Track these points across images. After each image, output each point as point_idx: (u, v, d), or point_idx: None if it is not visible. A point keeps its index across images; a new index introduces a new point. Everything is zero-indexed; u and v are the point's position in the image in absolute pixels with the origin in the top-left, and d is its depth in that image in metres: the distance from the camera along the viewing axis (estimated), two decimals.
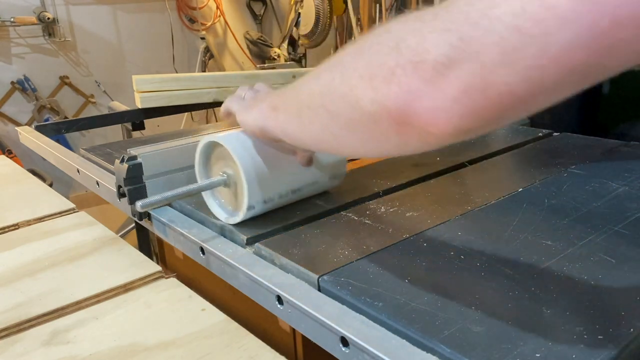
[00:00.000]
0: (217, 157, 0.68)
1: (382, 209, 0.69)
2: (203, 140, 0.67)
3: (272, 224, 0.66)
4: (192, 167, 0.78)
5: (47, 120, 3.16)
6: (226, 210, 0.68)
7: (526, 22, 0.31)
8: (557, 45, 0.31)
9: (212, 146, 0.67)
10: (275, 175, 0.64)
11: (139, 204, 0.64)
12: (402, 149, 0.42)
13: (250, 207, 0.64)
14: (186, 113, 3.10)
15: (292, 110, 0.52)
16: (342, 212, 0.69)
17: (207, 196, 0.69)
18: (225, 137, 0.63)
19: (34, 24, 3.05)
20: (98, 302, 0.65)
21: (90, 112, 3.37)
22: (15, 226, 0.88)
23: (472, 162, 0.87)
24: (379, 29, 0.41)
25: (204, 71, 3.69)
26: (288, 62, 3.15)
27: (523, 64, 0.32)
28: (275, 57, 3.31)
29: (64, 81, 3.25)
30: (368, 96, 0.40)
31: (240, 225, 0.66)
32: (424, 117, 0.36)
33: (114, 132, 2.35)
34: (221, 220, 0.67)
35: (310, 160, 0.66)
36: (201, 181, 0.69)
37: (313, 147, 0.54)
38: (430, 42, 0.35)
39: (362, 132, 0.43)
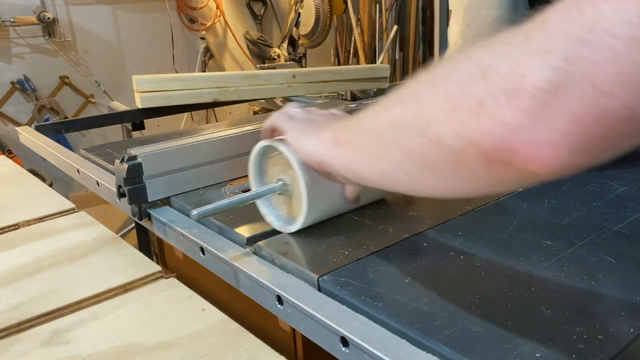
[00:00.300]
0: (272, 162, 0.65)
1: (382, 209, 0.69)
2: (260, 143, 0.64)
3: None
4: (192, 167, 0.78)
5: (47, 120, 3.16)
6: (279, 217, 0.65)
7: None
8: None
9: (269, 151, 0.65)
10: (330, 186, 0.61)
11: (194, 213, 0.59)
12: (492, 188, 0.37)
13: (307, 218, 0.61)
14: (186, 113, 3.10)
15: (359, 146, 0.47)
16: (342, 212, 0.69)
17: (259, 203, 0.66)
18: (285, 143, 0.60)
19: (34, 24, 3.05)
20: (98, 302, 0.65)
21: (90, 112, 3.37)
22: (15, 226, 0.88)
23: None
24: (454, 56, 0.37)
25: (204, 71, 3.69)
26: (288, 62, 3.15)
27: None
28: (275, 57, 3.31)
29: (64, 81, 3.25)
30: (451, 131, 0.35)
31: (240, 225, 0.66)
32: (525, 153, 0.31)
33: (114, 132, 2.35)
34: (276, 228, 0.65)
35: (357, 198, 0.63)
36: (256, 187, 0.67)
37: (382, 185, 0.48)
38: (527, 66, 0.31)
39: (443, 170, 0.38)
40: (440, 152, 0.37)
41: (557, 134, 0.30)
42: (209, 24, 3.81)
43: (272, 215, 0.65)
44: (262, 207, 0.66)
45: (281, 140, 0.60)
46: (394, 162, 0.42)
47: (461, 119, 0.34)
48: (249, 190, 0.78)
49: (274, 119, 0.61)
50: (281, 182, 0.63)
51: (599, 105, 0.29)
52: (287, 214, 0.65)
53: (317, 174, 0.56)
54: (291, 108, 0.62)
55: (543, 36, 0.31)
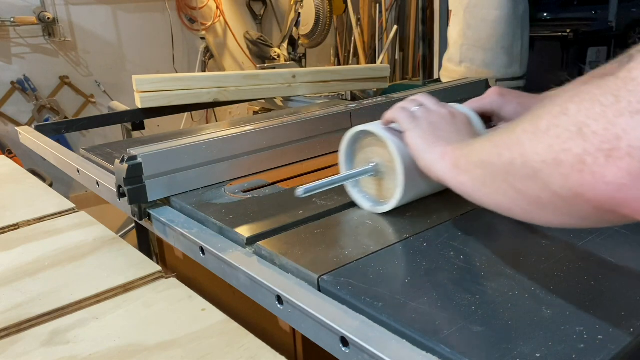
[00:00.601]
0: (362, 146, 0.70)
1: None
2: (354, 129, 0.69)
3: (272, 224, 0.66)
4: (192, 167, 0.78)
5: (47, 120, 3.16)
6: (369, 198, 0.70)
7: None
8: None
9: (361, 136, 0.69)
10: (422, 176, 0.63)
11: (300, 191, 0.63)
12: (604, 224, 0.41)
13: (401, 198, 0.65)
14: (186, 113, 3.10)
15: (477, 178, 0.49)
16: (342, 212, 0.69)
17: (350, 184, 0.71)
18: (380, 128, 0.66)
19: (34, 24, 3.05)
20: (98, 302, 0.65)
21: (90, 112, 3.37)
22: (15, 226, 0.88)
23: None
24: (552, 107, 0.39)
25: (204, 71, 3.69)
26: (288, 62, 3.15)
27: None
28: (275, 57, 3.31)
29: (64, 81, 3.25)
30: (558, 183, 0.38)
31: (240, 225, 0.66)
32: (631, 207, 0.34)
33: (114, 132, 2.35)
34: (365, 209, 0.69)
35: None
36: (346, 169, 0.71)
37: (499, 212, 0.50)
38: (621, 127, 0.33)
39: (555, 210, 0.41)
40: (551, 197, 0.40)
41: None
42: (209, 24, 3.81)
43: (362, 196, 0.71)
44: (352, 188, 0.71)
45: (377, 124, 0.67)
46: (509, 199, 0.45)
47: (565, 173, 0.37)
48: (248, 190, 0.78)
49: (396, 114, 0.65)
50: (374, 164, 0.68)
51: None
52: (376, 196, 0.70)
53: (412, 163, 0.62)
54: (412, 105, 0.66)
55: (632, 96, 0.33)
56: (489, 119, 0.71)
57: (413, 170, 0.63)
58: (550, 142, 0.38)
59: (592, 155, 0.35)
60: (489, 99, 0.70)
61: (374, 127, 0.66)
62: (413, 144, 0.60)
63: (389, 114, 0.66)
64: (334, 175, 0.68)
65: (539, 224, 0.47)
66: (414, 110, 0.64)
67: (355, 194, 0.71)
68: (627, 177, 0.33)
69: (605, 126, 0.34)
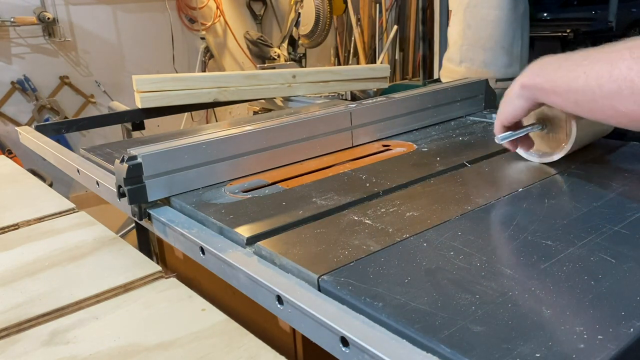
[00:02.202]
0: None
1: (382, 209, 0.69)
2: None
3: (272, 224, 0.66)
4: (192, 167, 0.79)
5: (47, 120, 3.16)
6: (535, 154, 0.85)
7: None
8: None
9: None
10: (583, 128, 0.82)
11: (498, 137, 0.79)
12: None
13: (570, 150, 0.81)
14: (186, 113, 3.10)
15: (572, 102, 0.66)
16: (342, 212, 0.69)
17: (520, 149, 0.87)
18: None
19: (34, 24, 3.06)
20: (98, 302, 0.65)
21: (90, 112, 3.37)
22: (15, 226, 0.88)
23: (472, 162, 0.87)
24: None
25: (204, 71, 3.69)
26: (288, 62, 3.15)
27: None
28: (275, 57, 3.30)
29: (64, 81, 3.25)
30: (610, 102, 0.58)
31: (240, 225, 0.66)
32: None
33: (114, 132, 2.35)
34: (532, 161, 0.85)
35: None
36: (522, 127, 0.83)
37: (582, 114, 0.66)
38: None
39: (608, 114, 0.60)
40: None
41: None
42: (209, 24, 3.81)
43: (526, 153, 0.86)
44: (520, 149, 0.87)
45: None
46: (588, 109, 0.62)
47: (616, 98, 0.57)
48: (248, 190, 0.78)
49: None
50: (540, 126, 0.83)
51: None
52: (545, 149, 0.85)
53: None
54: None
55: None
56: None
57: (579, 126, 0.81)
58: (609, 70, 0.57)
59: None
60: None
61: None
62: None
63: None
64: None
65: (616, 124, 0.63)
66: None
67: (521, 152, 0.87)
68: None
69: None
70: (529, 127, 0.82)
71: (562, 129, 0.82)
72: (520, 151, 0.86)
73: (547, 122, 0.83)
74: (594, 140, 0.89)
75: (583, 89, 0.61)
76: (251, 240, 0.63)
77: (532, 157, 0.86)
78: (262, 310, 0.56)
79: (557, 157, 0.82)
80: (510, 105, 0.74)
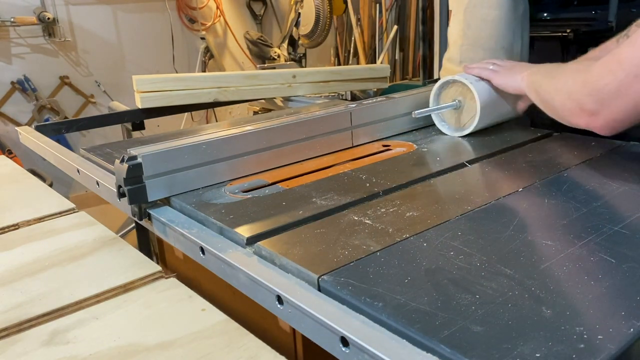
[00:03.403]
0: (446, 93, 1.04)
1: (382, 209, 0.69)
2: (443, 79, 1.04)
3: (272, 224, 0.66)
4: (192, 167, 0.79)
5: (47, 120, 3.16)
6: (449, 127, 1.04)
7: None
8: None
9: (445, 86, 1.04)
10: (493, 104, 1.00)
11: (416, 112, 0.97)
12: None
13: (478, 123, 0.98)
14: (186, 113, 3.10)
15: (540, 94, 0.87)
16: (342, 212, 0.69)
17: (435, 116, 1.05)
18: (460, 75, 1.02)
19: (34, 24, 3.05)
20: (98, 302, 0.65)
21: (90, 112, 3.37)
22: (15, 226, 0.88)
23: (472, 162, 0.87)
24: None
25: (204, 71, 3.69)
26: (288, 62, 3.15)
27: None
28: (275, 57, 3.30)
29: (64, 81, 3.25)
30: (567, 106, 0.78)
31: (240, 225, 0.66)
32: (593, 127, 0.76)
33: (114, 132, 2.35)
34: (446, 134, 1.03)
35: (524, 110, 1.05)
36: (443, 103, 1.04)
37: (541, 101, 0.88)
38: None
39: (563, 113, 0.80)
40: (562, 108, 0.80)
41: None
42: (209, 24, 3.81)
43: (445, 125, 1.05)
44: (437, 119, 1.05)
45: (461, 75, 1.02)
46: (552, 106, 0.83)
47: (570, 107, 0.77)
48: (248, 190, 0.78)
49: (479, 71, 1.02)
50: (457, 101, 1.02)
51: None
52: (455, 124, 1.03)
53: (485, 95, 0.99)
54: (486, 64, 1.03)
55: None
56: None
57: (486, 100, 0.98)
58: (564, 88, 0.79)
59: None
60: None
61: (458, 76, 1.01)
62: (498, 77, 0.98)
63: (474, 72, 1.02)
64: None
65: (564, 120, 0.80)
66: (491, 68, 1.01)
67: (439, 123, 1.05)
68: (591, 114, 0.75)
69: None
70: (448, 105, 1.01)
71: (473, 109, 0.99)
72: (437, 123, 1.05)
73: (462, 102, 1.01)
74: (502, 121, 1.07)
75: (552, 100, 0.83)
76: (251, 240, 0.63)
77: (448, 130, 1.04)
78: (262, 310, 0.56)
79: (467, 131, 1.00)
80: (511, 81, 0.96)
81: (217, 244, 0.63)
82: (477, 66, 1.03)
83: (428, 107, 1.05)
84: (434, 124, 1.09)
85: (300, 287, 0.53)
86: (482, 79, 1.01)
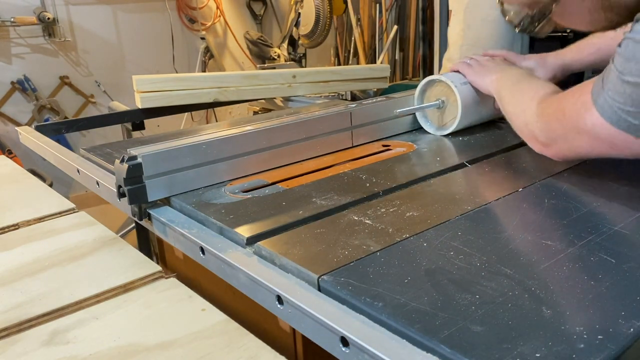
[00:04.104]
0: (430, 92, 1.06)
1: (382, 209, 0.69)
2: (428, 78, 1.05)
3: (272, 224, 0.66)
4: (192, 167, 0.79)
5: (47, 120, 3.16)
6: (432, 125, 1.06)
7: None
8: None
9: (430, 85, 1.05)
10: (475, 104, 1.01)
11: (396, 111, 1.00)
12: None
13: (459, 124, 1.00)
14: (186, 113, 3.10)
15: (504, 99, 0.89)
16: (342, 212, 0.69)
17: (419, 115, 1.07)
18: (446, 75, 1.03)
19: (34, 24, 3.05)
20: (98, 302, 0.65)
21: (90, 112, 3.37)
22: (15, 226, 0.88)
23: (472, 162, 0.87)
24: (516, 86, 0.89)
25: (204, 71, 3.69)
26: (288, 62, 3.15)
27: None
28: (275, 57, 3.30)
29: (64, 81, 3.25)
30: (522, 127, 0.83)
31: (240, 225, 0.66)
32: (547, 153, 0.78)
33: (114, 132, 2.35)
34: (430, 132, 1.05)
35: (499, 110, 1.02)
36: (418, 104, 1.06)
37: (505, 114, 0.90)
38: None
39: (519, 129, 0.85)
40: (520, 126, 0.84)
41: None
42: (209, 24, 3.81)
43: (428, 123, 1.06)
44: (421, 118, 1.07)
45: (444, 74, 1.03)
46: (512, 123, 0.87)
47: (526, 133, 0.81)
48: (248, 190, 0.78)
49: (455, 66, 1.04)
50: (440, 101, 1.03)
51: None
52: (438, 123, 1.05)
53: (467, 97, 1.00)
54: (466, 59, 1.04)
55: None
56: None
57: (468, 104, 1.00)
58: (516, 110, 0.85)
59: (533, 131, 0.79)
60: (527, 62, 1.05)
61: (442, 76, 1.02)
62: (471, 76, 1.01)
63: (453, 67, 1.05)
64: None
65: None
66: (468, 62, 1.03)
67: (423, 121, 1.06)
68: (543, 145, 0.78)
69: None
70: (430, 104, 1.03)
71: (455, 109, 1.00)
72: (421, 121, 1.06)
73: (445, 102, 1.02)
74: (483, 121, 1.07)
75: (511, 120, 0.86)
76: (251, 240, 0.63)
77: (430, 128, 1.05)
78: (262, 310, 0.56)
79: (448, 131, 1.02)
80: (481, 81, 0.98)
81: (217, 244, 0.63)
82: (459, 61, 1.05)
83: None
84: None
85: (300, 287, 0.53)
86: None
